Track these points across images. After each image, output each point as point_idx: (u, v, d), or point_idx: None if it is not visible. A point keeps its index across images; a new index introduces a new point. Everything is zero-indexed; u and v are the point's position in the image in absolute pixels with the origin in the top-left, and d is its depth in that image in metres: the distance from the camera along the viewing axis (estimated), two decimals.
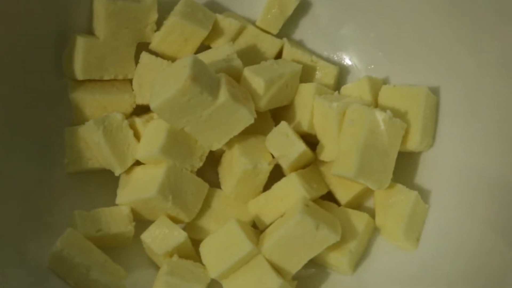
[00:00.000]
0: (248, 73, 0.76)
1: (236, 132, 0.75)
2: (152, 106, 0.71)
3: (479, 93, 0.72)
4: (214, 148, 0.77)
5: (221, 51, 0.79)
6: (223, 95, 0.71)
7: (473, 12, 0.71)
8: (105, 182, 0.81)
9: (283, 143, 0.76)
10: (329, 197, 0.79)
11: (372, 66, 0.84)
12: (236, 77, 0.77)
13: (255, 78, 0.76)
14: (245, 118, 0.74)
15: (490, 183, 0.68)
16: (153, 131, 0.78)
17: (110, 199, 0.79)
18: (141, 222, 0.78)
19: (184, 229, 0.77)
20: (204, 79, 0.71)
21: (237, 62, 0.78)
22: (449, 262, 0.69)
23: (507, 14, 0.68)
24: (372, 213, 0.77)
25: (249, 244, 0.71)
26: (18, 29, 0.76)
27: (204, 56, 0.78)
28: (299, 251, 0.72)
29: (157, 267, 0.78)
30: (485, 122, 0.71)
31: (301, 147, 0.75)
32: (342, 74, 0.87)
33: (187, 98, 0.70)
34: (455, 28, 0.74)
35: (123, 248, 0.78)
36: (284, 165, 0.77)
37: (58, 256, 0.72)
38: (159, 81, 0.73)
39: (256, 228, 0.79)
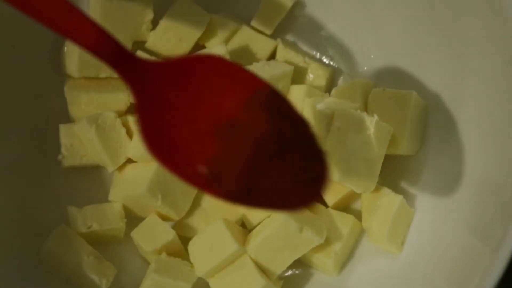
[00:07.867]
0: None
1: None
2: None
3: (469, 98, 0.71)
4: None
5: (213, 52, 0.79)
6: None
7: (463, 15, 0.71)
8: (99, 178, 0.83)
9: None
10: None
11: (365, 68, 0.84)
12: None
13: None
14: None
15: (475, 186, 0.68)
16: None
17: (104, 196, 0.80)
18: (134, 219, 0.79)
19: (174, 226, 0.78)
20: None
21: None
22: (427, 263, 0.69)
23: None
24: (360, 215, 0.77)
25: (234, 244, 0.72)
26: (14, 25, 0.76)
27: None
28: (284, 252, 0.72)
29: (148, 264, 0.78)
30: (474, 127, 0.71)
31: None
32: (336, 75, 0.86)
33: None
34: (447, 31, 0.74)
35: (115, 244, 0.79)
36: None
37: (49, 252, 0.73)
38: None
39: (245, 228, 0.79)
